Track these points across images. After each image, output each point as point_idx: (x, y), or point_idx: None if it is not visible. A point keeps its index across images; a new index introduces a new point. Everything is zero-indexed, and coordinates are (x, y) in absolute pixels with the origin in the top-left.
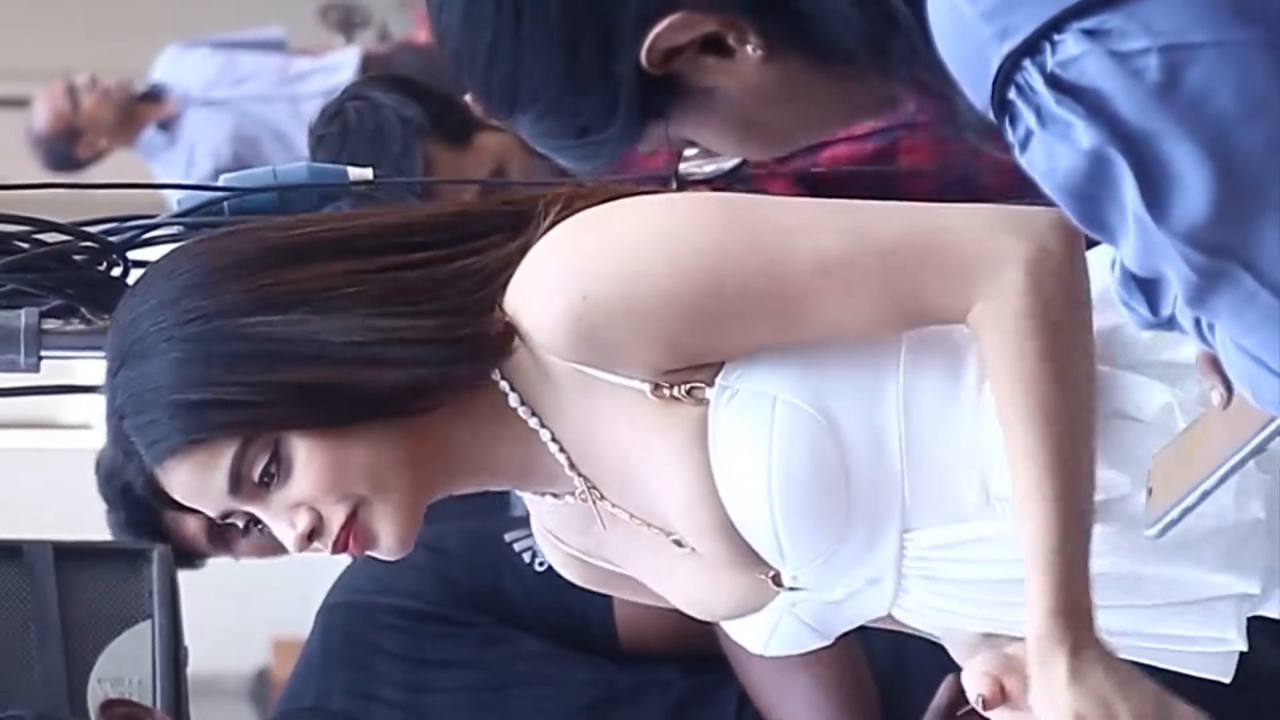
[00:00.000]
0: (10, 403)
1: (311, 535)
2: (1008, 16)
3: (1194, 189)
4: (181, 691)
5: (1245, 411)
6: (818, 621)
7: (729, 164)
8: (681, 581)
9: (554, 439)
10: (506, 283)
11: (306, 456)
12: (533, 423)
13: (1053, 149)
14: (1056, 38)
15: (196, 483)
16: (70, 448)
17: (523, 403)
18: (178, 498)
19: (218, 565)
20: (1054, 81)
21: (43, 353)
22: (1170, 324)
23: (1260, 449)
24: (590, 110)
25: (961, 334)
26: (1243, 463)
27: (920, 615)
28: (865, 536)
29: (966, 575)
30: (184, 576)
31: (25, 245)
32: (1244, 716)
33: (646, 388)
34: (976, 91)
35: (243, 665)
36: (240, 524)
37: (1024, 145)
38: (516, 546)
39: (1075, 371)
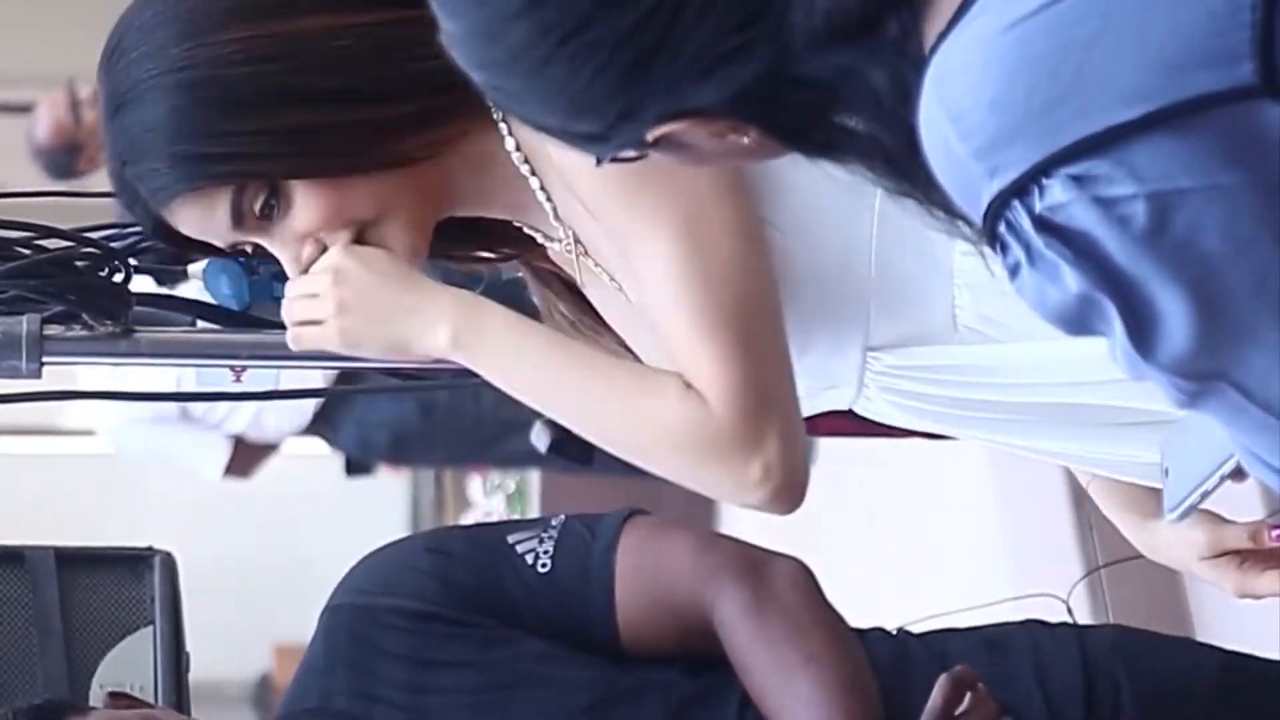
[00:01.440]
0: (12, 408)
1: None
2: (996, 156)
3: (1177, 330)
4: (183, 697)
5: None
6: None
7: None
8: (651, 348)
9: (543, 188)
10: None
11: (305, 192)
12: (524, 169)
13: (1042, 287)
14: (1044, 182)
15: (201, 221)
16: (72, 453)
17: (518, 148)
18: (186, 233)
19: (220, 571)
20: (1041, 224)
21: (44, 359)
22: None
23: None
24: (576, 136)
25: None
26: None
27: (879, 416)
28: (827, 348)
29: (927, 391)
30: (186, 582)
31: (27, 251)
32: (1244, 716)
33: None
34: (971, 215)
35: (245, 671)
36: (250, 250)
37: (1014, 274)
38: (519, 549)
39: None
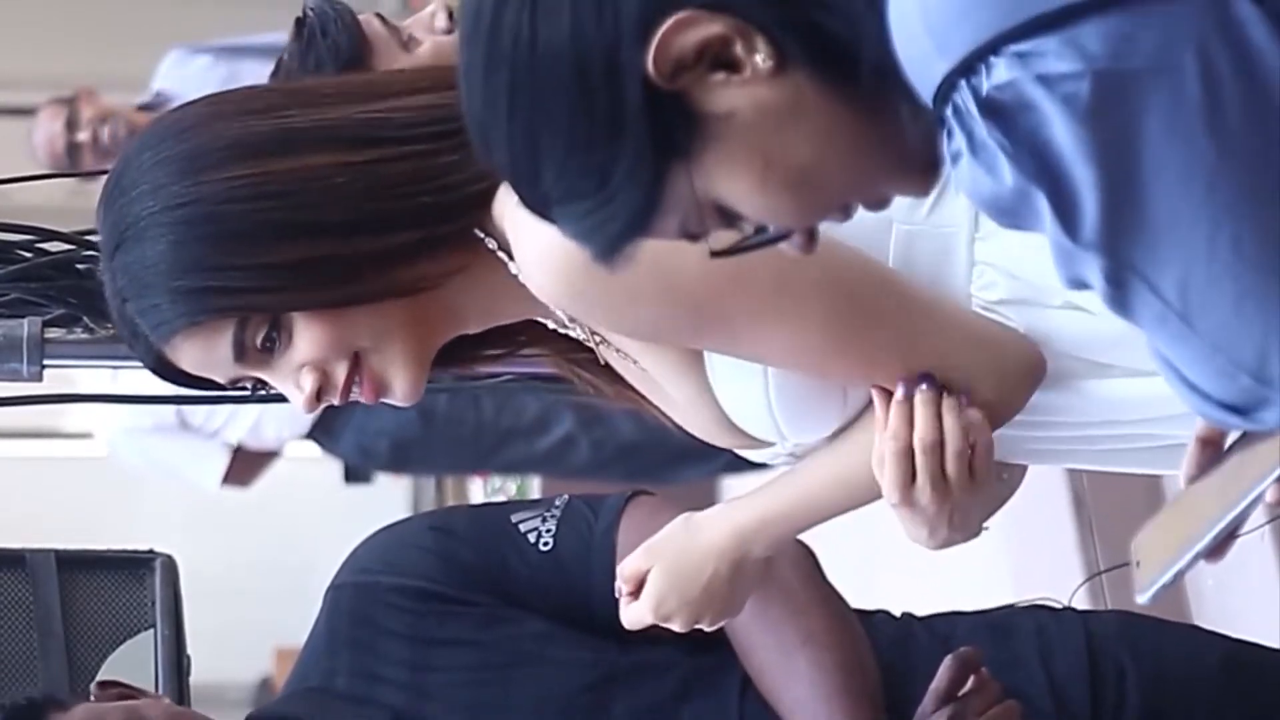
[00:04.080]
0: (13, 411)
1: (319, 395)
2: (948, 35)
3: (1089, 200)
4: (184, 700)
5: (1231, 478)
6: None
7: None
8: (686, 422)
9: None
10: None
11: (305, 322)
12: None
13: (977, 177)
14: (992, 60)
15: (203, 356)
16: (73, 456)
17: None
18: (186, 369)
19: (221, 573)
20: (986, 106)
21: (45, 362)
22: None
23: (1251, 508)
24: (605, 142)
25: (948, 240)
26: (1235, 520)
27: None
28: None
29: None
30: (187, 586)
31: (28, 254)
32: (1248, 702)
33: None
34: (925, 97)
35: (245, 674)
36: (250, 387)
37: (954, 160)
38: (522, 527)
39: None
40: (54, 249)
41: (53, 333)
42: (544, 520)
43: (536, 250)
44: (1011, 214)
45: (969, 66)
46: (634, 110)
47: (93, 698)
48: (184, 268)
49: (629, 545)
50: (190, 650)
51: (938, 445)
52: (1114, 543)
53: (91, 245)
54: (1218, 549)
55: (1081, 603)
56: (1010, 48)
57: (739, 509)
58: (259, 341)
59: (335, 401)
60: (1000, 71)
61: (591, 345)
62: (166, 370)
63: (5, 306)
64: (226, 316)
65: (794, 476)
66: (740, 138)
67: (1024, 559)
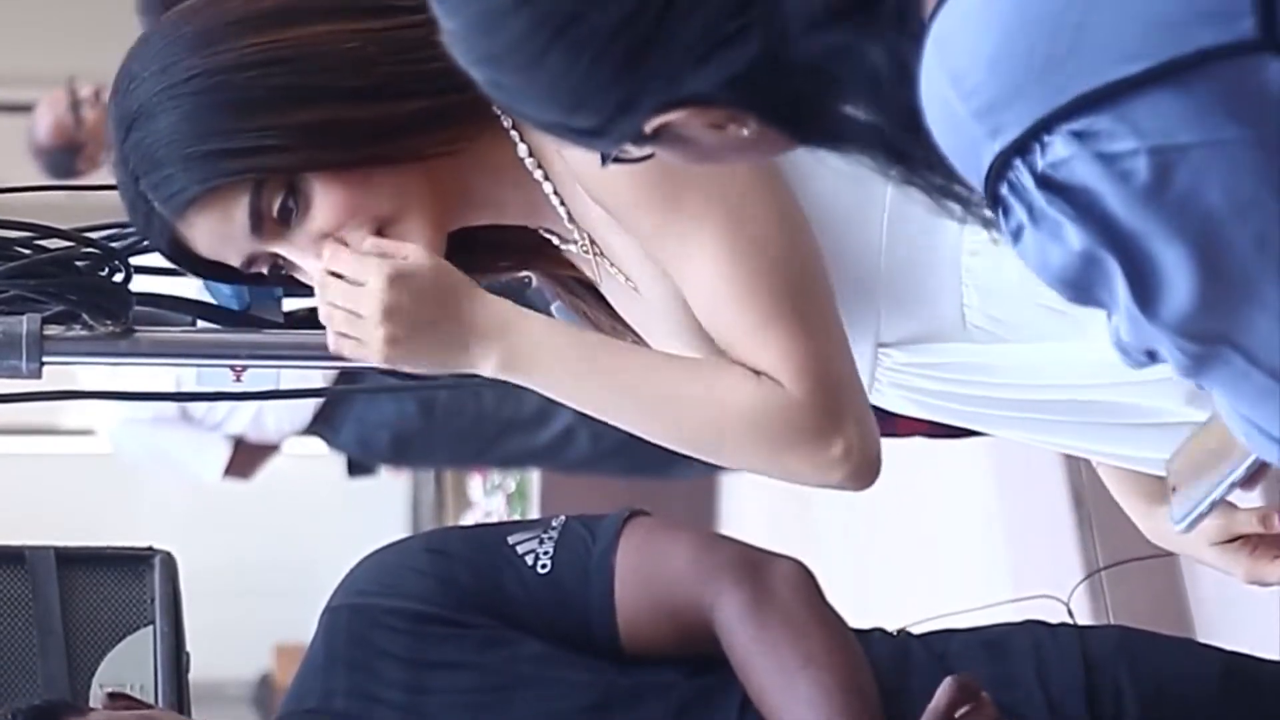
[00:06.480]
0: (12, 408)
1: None
2: (998, 116)
3: (1181, 287)
4: (183, 697)
5: None
6: None
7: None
8: (669, 347)
9: (555, 192)
10: None
11: (323, 188)
12: (538, 174)
13: (1044, 246)
14: (1046, 139)
15: (218, 229)
16: (73, 453)
17: (530, 154)
18: (201, 249)
19: (221, 570)
20: (1044, 182)
21: (45, 358)
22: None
23: None
24: (576, 132)
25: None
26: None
27: (891, 409)
28: None
29: (936, 388)
30: (186, 582)
31: (27, 251)
32: (1246, 718)
33: None
34: (972, 179)
35: (245, 671)
36: (265, 270)
37: (1016, 237)
38: (519, 549)
39: None
40: (53, 246)
41: (52, 329)
42: (541, 542)
43: None
44: (1081, 286)
45: (1023, 145)
46: (616, 135)
47: (99, 704)
48: (196, 135)
49: (627, 567)
50: (190, 647)
51: None
52: (1113, 540)
53: (91, 242)
54: (1252, 478)
55: (1081, 600)
56: (1064, 126)
57: (531, 321)
58: (275, 210)
59: None
60: (1056, 150)
61: (590, 257)
62: (182, 256)
63: (4, 303)
64: (241, 179)
65: (606, 348)
66: (697, 149)
67: (1023, 557)
